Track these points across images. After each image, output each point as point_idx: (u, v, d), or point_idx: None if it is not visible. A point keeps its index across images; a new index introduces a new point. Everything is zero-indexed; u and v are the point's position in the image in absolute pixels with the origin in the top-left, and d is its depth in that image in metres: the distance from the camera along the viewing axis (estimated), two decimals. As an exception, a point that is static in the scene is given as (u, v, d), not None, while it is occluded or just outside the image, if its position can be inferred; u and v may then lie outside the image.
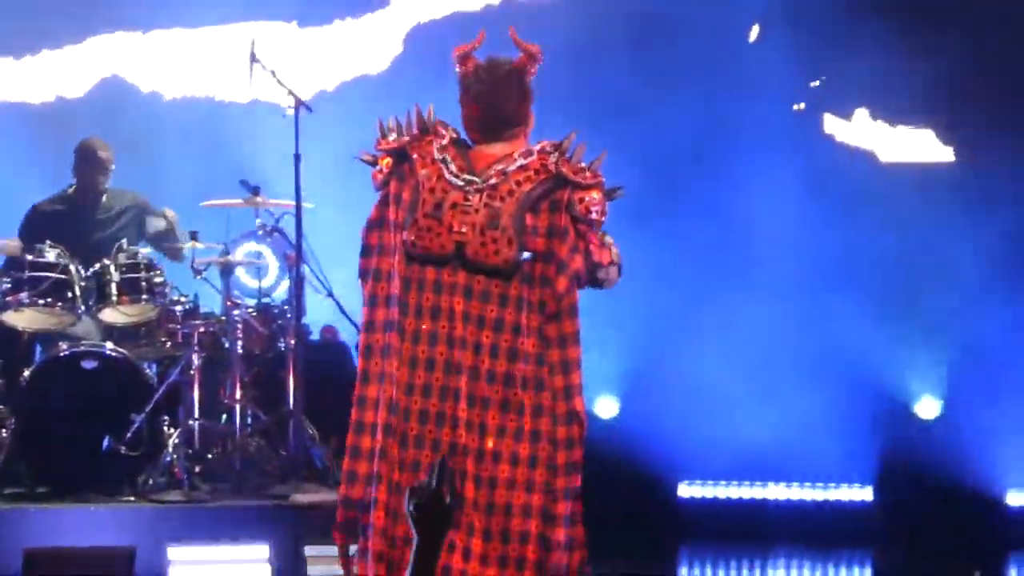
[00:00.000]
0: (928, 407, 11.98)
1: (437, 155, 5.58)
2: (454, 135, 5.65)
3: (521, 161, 5.56)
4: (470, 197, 5.53)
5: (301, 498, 8.67)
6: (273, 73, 8.79)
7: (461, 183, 5.53)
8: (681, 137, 10.39)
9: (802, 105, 11.52)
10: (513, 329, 5.58)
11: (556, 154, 5.58)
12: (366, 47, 11.50)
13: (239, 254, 9.10)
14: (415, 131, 5.63)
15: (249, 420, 8.71)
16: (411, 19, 11.60)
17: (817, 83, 10.37)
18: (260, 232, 9.27)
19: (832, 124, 11.61)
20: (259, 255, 9.37)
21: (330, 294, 9.24)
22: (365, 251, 5.68)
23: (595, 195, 5.61)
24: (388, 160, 5.58)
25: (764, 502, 11.47)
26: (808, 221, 11.20)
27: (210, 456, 8.69)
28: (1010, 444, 11.50)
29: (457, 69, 5.71)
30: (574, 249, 5.63)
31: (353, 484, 5.56)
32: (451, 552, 5.52)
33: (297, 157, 8.72)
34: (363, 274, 5.66)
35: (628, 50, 11.13)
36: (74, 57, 11.42)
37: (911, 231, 11.55)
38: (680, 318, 11.35)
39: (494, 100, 5.61)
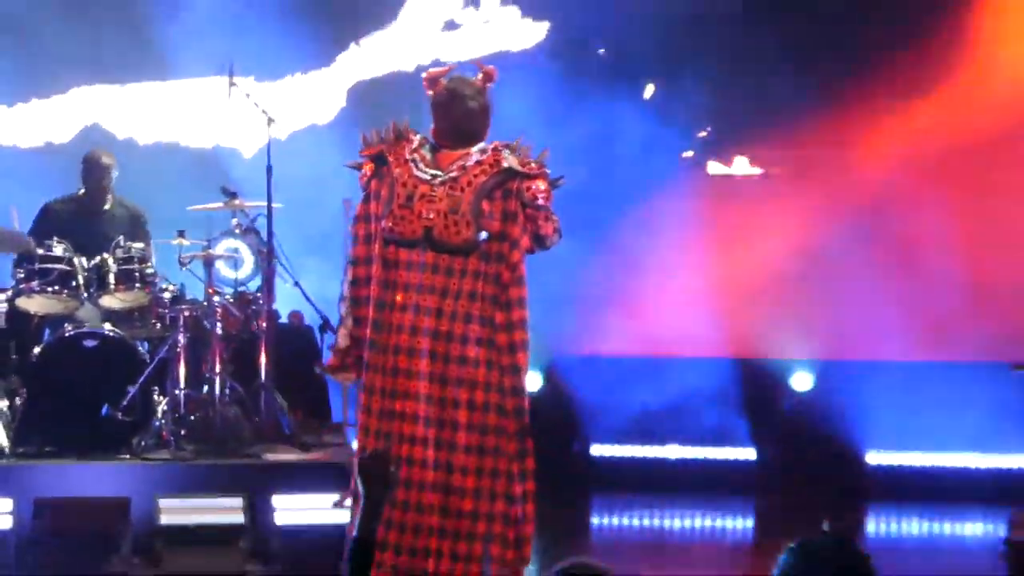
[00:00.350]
0: (802, 380, 12.90)
1: (408, 156, 6.46)
2: (424, 139, 6.47)
3: (477, 157, 6.45)
4: (435, 189, 6.40)
5: (271, 457, 9.27)
6: (248, 95, 9.63)
7: (427, 177, 6.40)
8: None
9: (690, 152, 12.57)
10: (469, 296, 6.44)
11: (507, 151, 6.44)
12: (314, 100, 12.33)
13: (219, 249, 9.75)
14: (392, 138, 6.47)
15: (227, 391, 9.26)
16: (353, 77, 12.39)
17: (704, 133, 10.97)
18: (237, 231, 9.92)
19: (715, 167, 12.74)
20: (236, 250, 9.98)
21: (296, 283, 10.03)
22: (354, 240, 6.56)
23: (540, 184, 6.46)
24: (370, 164, 6.49)
25: (664, 460, 12.21)
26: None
27: (193, 421, 9.20)
28: (868, 412, 12.43)
29: (428, 91, 6.60)
30: (524, 229, 6.45)
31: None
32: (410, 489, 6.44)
33: (269, 168, 9.44)
34: (353, 260, 6.57)
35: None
36: (60, 106, 12.14)
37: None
38: (591, 308, 12.32)
39: (463, 116, 6.49)
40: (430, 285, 6.50)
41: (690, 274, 12.33)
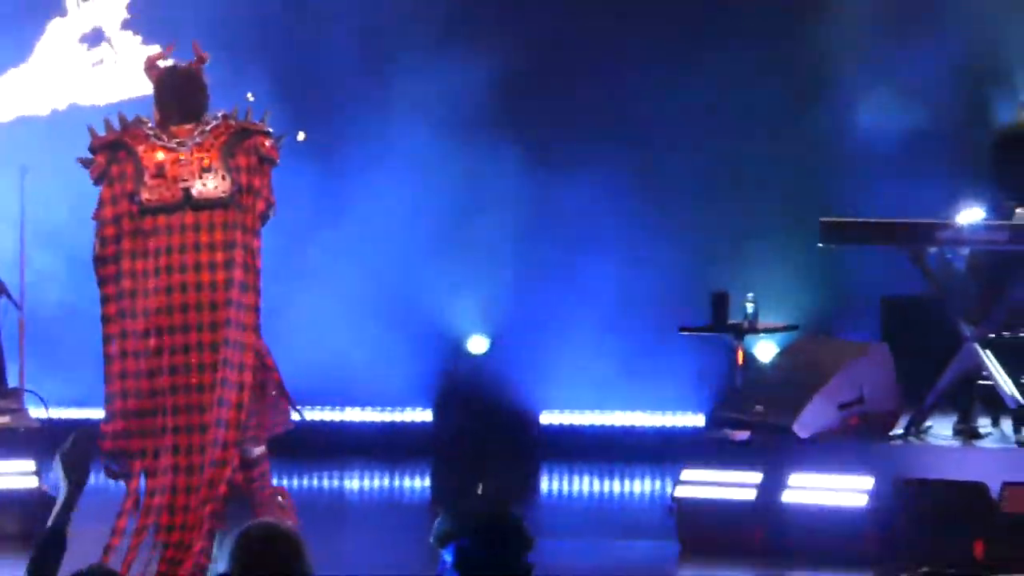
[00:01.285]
0: (478, 344, 13.33)
1: (149, 132, 7.24)
2: (154, 121, 7.33)
3: (214, 123, 7.41)
4: (183, 155, 7.19)
5: None
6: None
7: (174, 146, 7.20)
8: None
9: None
10: (229, 245, 7.24)
11: (233, 117, 7.48)
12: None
13: None
14: (121, 126, 7.29)
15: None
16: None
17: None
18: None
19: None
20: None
21: None
22: (100, 225, 7.22)
23: (267, 141, 7.48)
24: (102, 155, 7.22)
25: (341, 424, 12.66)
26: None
27: None
28: (542, 374, 12.92)
29: (149, 75, 7.51)
30: (263, 181, 7.44)
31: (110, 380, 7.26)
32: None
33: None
34: (102, 240, 7.22)
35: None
36: None
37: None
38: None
39: (186, 95, 7.41)
40: (193, 242, 7.31)
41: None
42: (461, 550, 4.76)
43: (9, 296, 10.99)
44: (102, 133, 7.58)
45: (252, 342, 7.63)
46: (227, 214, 7.44)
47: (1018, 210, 10.26)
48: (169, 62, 7.81)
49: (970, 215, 10.36)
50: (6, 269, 11.84)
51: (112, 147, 7.45)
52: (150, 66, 7.70)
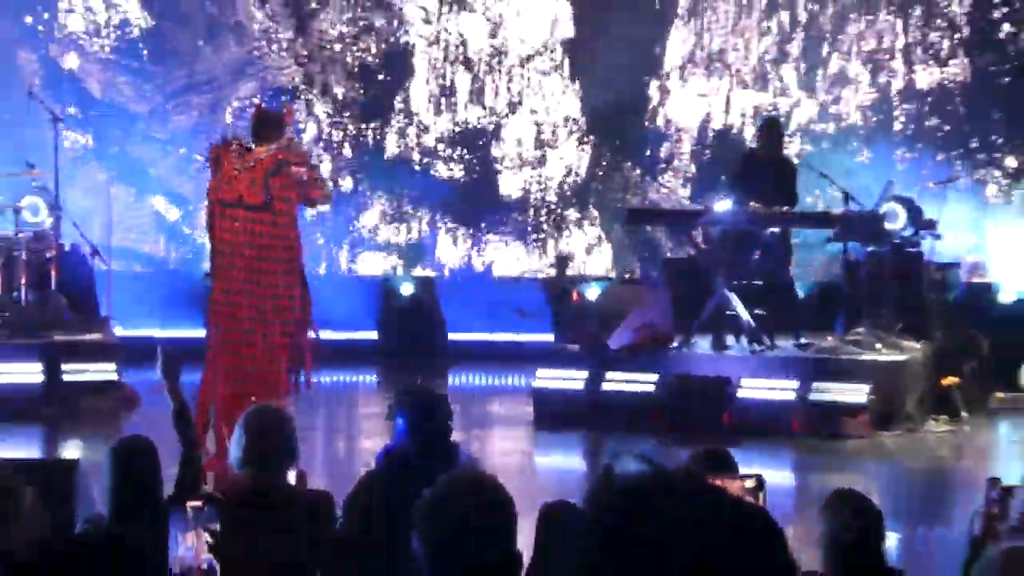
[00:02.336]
0: (407, 287, 14.76)
1: (233, 152, 8.73)
2: (243, 143, 8.76)
3: (265, 154, 8.64)
4: (241, 171, 8.63)
5: (59, 338, 11.84)
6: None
7: (239, 165, 8.66)
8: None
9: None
10: (271, 236, 8.70)
11: (284, 148, 8.68)
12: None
13: (24, 202, 12.46)
14: (222, 144, 8.79)
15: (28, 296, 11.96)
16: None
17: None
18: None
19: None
20: (36, 204, 12.52)
21: (74, 224, 12.75)
22: (207, 204, 8.86)
23: (301, 168, 8.68)
24: (212, 157, 8.83)
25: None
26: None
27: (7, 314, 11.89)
28: (453, 308, 14.54)
29: (253, 111, 9.21)
30: (297, 196, 8.72)
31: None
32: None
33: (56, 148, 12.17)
34: (208, 213, 8.87)
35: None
36: None
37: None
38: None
39: (262, 129, 8.82)
40: (242, 228, 8.63)
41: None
42: (407, 417, 5.49)
43: (99, 254, 12.88)
44: (219, 142, 8.87)
45: (283, 297, 8.70)
46: (264, 214, 8.62)
47: (752, 203, 11.94)
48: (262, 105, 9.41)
49: (722, 204, 12.07)
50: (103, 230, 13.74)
51: (215, 159, 8.72)
52: (254, 105, 9.35)
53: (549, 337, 13.42)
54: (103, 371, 12.12)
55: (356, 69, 16.22)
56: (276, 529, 5.02)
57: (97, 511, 5.36)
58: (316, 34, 15.89)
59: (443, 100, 16.30)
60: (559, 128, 16.09)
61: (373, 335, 15.12)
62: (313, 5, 16.04)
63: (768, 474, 9.19)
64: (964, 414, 12.01)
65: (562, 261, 13.22)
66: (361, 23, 16.08)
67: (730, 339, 12.30)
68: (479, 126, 16.15)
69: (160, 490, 5.29)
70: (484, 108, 16.23)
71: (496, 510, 3.45)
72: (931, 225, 12.49)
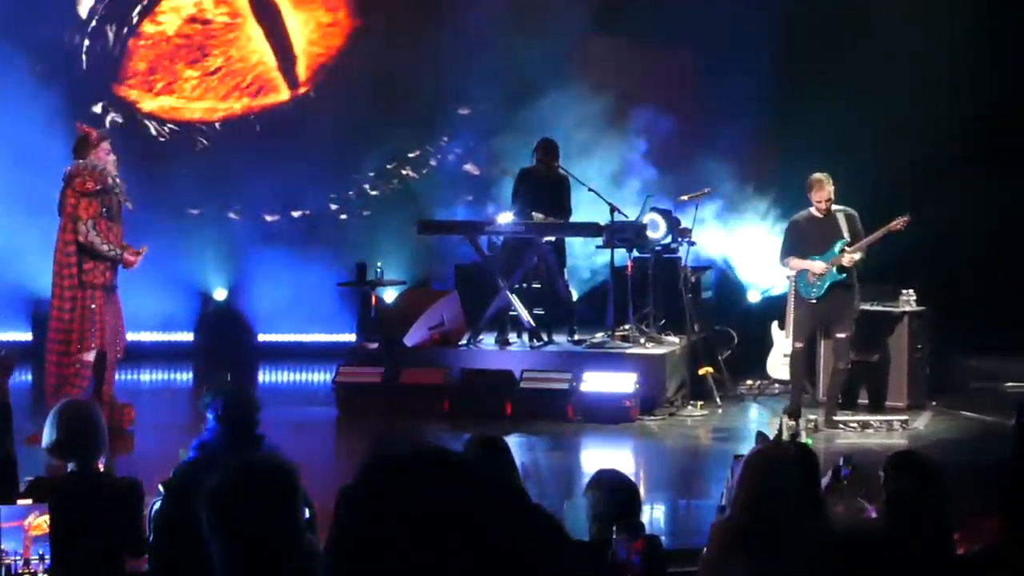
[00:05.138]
0: (220, 292, 14.68)
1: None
2: None
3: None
4: None
5: None
6: None
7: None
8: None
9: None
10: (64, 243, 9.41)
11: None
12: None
13: None
14: None
15: None
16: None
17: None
18: None
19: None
20: None
21: None
22: None
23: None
24: None
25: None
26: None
27: None
28: (261, 310, 14.55)
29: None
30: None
31: None
32: None
33: None
34: None
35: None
36: None
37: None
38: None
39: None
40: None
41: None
42: (217, 410, 5.53)
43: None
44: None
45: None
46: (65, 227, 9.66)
47: (534, 214, 12.16)
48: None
49: (505, 217, 12.31)
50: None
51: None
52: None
53: (351, 336, 13.33)
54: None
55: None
56: (88, 512, 4.97)
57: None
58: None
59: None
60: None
61: (189, 336, 15.05)
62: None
63: (546, 454, 10.20)
64: (719, 399, 12.27)
65: (361, 267, 13.05)
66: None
67: (512, 336, 12.53)
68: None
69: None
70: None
71: (275, 489, 3.42)
72: (687, 233, 12.72)
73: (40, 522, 4.76)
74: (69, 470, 5.28)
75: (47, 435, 5.31)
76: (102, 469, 5.43)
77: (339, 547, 2.13)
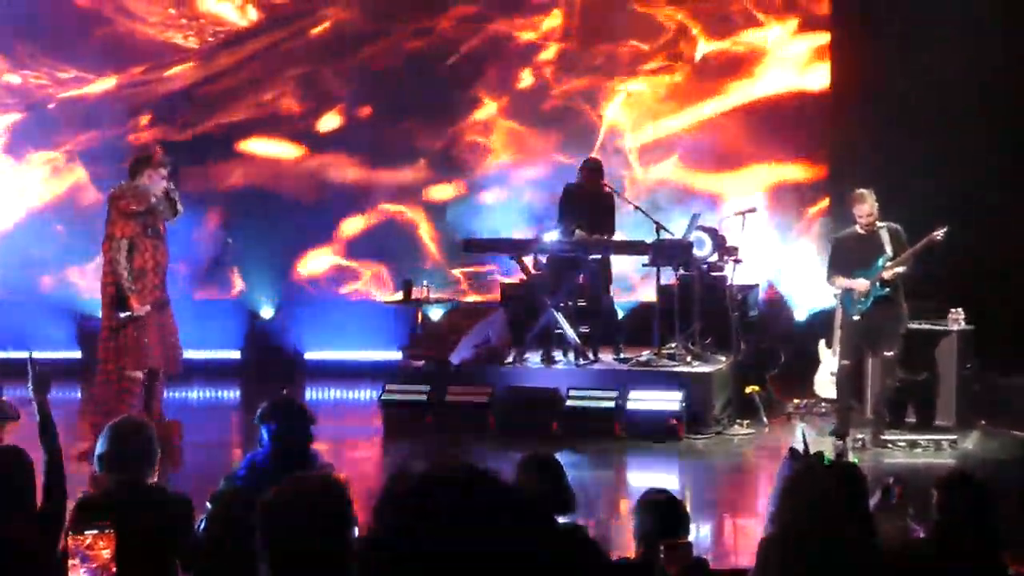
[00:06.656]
0: (267, 311, 14.67)
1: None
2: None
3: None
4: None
5: None
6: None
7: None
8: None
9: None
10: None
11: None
12: None
13: None
14: None
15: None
16: None
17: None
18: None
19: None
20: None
21: None
22: None
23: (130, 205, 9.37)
24: None
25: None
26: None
27: None
28: (308, 329, 14.49)
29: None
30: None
31: None
32: None
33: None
34: None
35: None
36: None
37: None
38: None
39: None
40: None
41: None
42: (271, 428, 5.58)
43: None
44: None
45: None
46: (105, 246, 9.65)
47: (577, 231, 12.07)
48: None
49: (551, 235, 12.24)
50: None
51: None
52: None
53: (397, 354, 13.12)
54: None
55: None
56: (136, 529, 4.94)
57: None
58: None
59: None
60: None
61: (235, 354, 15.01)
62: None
63: (593, 473, 10.22)
64: (765, 418, 12.19)
65: (407, 285, 13.07)
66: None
67: (558, 354, 12.40)
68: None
69: (32, 495, 5.16)
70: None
71: (325, 506, 3.48)
72: (733, 251, 12.66)
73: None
74: (113, 484, 5.27)
75: (99, 446, 5.32)
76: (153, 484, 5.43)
77: (361, 560, 2.25)
